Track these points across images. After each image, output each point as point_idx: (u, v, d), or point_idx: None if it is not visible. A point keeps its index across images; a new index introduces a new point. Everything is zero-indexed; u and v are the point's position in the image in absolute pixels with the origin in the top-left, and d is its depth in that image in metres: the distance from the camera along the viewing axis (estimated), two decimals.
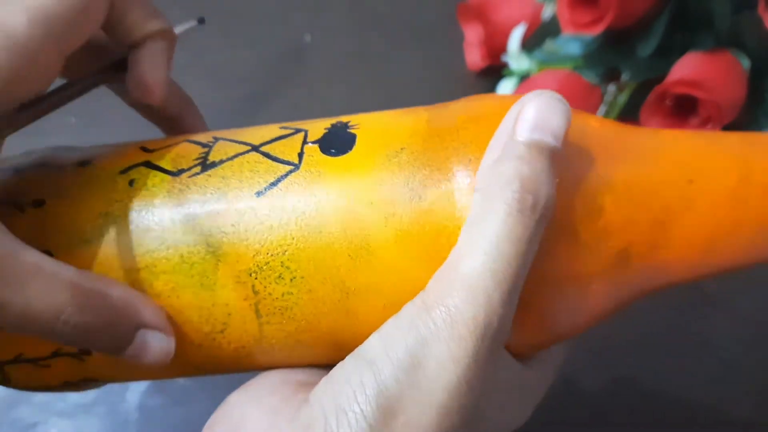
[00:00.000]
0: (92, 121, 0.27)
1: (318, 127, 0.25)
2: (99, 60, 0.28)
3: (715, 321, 0.42)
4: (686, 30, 0.46)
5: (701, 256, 0.24)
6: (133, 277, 0.24)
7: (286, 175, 0.24)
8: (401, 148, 0.24)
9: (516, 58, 0.51)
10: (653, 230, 0.23)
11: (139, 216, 0.24)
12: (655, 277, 0.24)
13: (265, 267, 0.23)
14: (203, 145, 0.25)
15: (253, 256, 0.23)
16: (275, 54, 0.55)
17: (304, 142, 0.25)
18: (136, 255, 0.24)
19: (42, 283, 0.21)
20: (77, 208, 0.24)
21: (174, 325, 0.24)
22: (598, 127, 0.25)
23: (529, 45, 0.51)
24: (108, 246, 0.24)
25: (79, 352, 0.24)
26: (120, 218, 0.24)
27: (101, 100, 0.33)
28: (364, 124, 0.25)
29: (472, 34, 0.55)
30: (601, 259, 0.23)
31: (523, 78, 0.51)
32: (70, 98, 0.27)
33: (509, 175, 0.21)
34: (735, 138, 0.25)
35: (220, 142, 0.26)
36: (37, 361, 0.25)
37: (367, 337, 0.22)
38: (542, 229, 0.21)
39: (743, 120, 0.46)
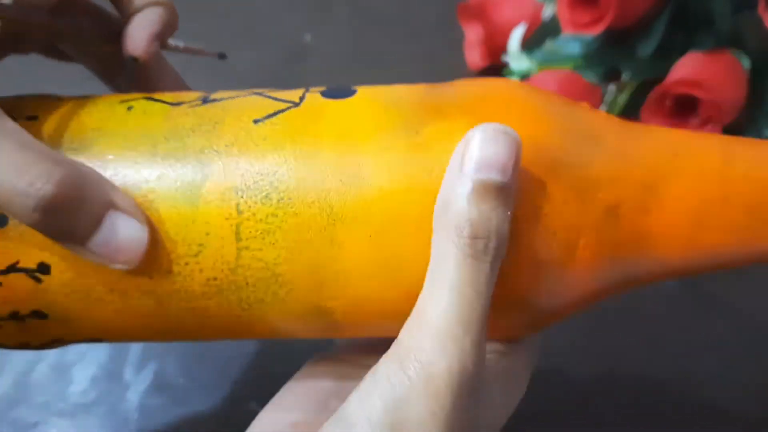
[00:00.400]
0: None
1: (319, 88, 0.26)
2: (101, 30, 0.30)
3: (715, 321, 0.42)
4: (686, 30, 0.46)
5: (690, 230, 0.24)
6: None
7: (286, 109, 0.24)
8: (399, 98, 0.25)
9: (516, 58, 0.51)
10: (642, 192, 0.24)
11: (130, 131, 0.24)
12: (644, 252, 0.24)
13: (252, 185, 0.23)
14: (205, 92, 0.26)
15: (242, 174, 0.23)
16: (275, 54, 0.55)
17: (307, 90, 0.26)
18: (122, 166, 0.24)
19: (15, 146, 0.21)
20: (69, 122, 0.24)
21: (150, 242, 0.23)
22: (588, 107, 0.26)
23: (529, 45, 0.51)
24: (93, 157, 0.24)
25: (37, 269, 0.24)
26: (110, 133, 0.24)
27: None
28: (363, 87, 0.26)
29: (472, 34, 0.55)
30: (591, 209, 0.23)
31: (524, 78, 0.51)
32: (49, 26, 0.28)
33: (459, 220, 0.21)
34: (716, 135, 0.26)
35: (222, 91, 0.26)
36: None
37: (349, 277, 0.23)
38: (498, 266, 0.22)
39: (743, 120, 0.46)
